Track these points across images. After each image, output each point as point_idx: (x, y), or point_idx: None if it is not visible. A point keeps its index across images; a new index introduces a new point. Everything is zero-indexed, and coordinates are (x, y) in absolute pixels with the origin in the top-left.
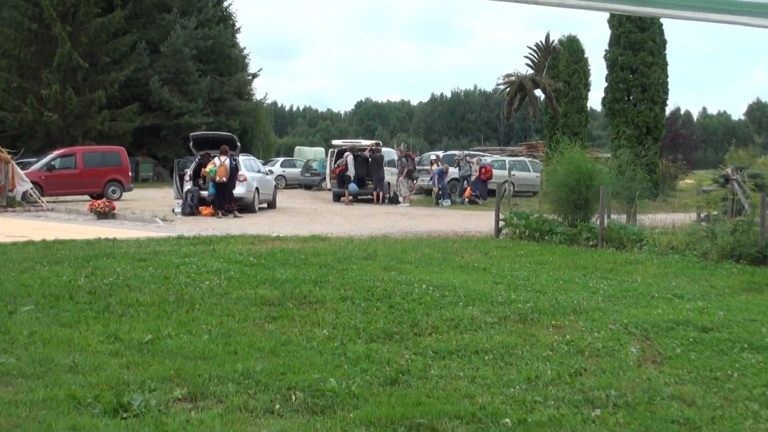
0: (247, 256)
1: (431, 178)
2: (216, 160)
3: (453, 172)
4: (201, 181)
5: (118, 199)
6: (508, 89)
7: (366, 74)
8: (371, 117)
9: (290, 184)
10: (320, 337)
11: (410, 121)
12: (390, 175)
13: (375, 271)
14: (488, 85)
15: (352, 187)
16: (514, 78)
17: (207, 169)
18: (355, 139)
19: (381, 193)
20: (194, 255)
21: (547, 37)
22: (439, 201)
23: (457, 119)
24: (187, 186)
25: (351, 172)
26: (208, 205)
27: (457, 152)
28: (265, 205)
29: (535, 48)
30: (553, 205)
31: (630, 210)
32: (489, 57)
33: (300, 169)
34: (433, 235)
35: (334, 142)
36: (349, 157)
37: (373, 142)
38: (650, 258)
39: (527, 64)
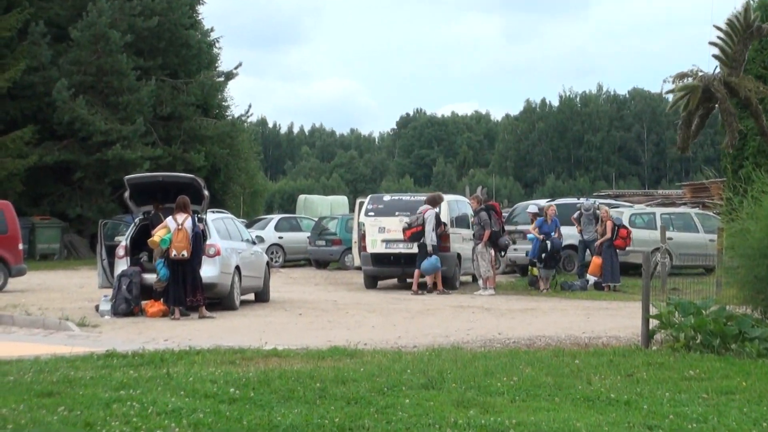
0: (225, 386)
1: (534, 248)
2: (170, 221)
3: (569, 234)
4: (145, 258)
5: (0, 289)
6: (687, 97)
7: (415, 71)
8: (425, 143)
9: (292, 260)
10: None
11: (491, 147)
12: (461, 241)
13: (442, 409)
14: (622, 83)
15: (429, 264)
16: (692, 79)
17: (155, 238)
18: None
19: (436, 276)
20: (135, 385)
21: (747, 9)
22: (534, 284)
23: (571, 143)
24: (121, 266)
25: (430, 239)
26: (158, 299)
27: (581, 200)
28: (251, 296)
29: (727, 28)
30: (743, 290)
31: None
32: (623, 38)
33: (308, 234)
34: (536, 345)
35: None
36: (429, 213)
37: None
38: None
39: (715, 56)
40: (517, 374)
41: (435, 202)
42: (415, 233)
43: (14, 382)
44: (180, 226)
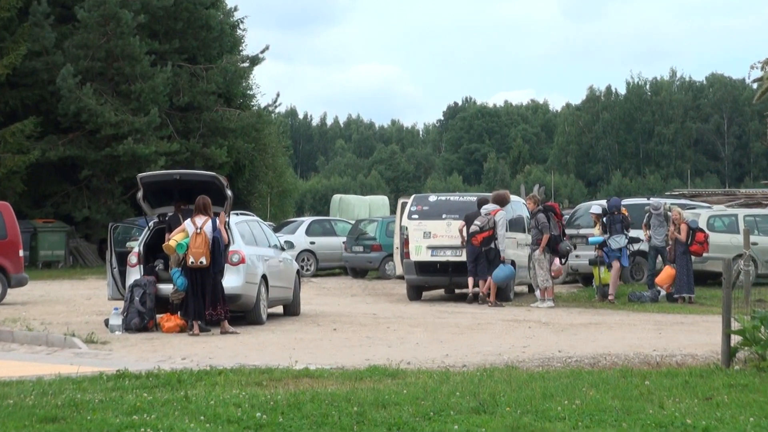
0: (250, 410)
1: (608, 253)
2: (188, 224)
3: (637, 239)
4: (160, 266)
5: None
6: None
7: (464, 55)
8: (474, 136)
9: (326, 268)
10: None
11: (549, 141)
12: (516, 246)
13: None
14: (699, 68)
15: (504, 272)
16: None
17: (172, 243)
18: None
19: (486, 284)
20: (150, 409)
21: None
22: (604, 295)
23: (640, 136)
24: (134, 275)
25: (504, 244)
26: (175, 312)
27: (651, 200)
28: (279, 309)
29: None
30: None
31: None
32: (701, 15)
33: (343, 239)
34: (601, 364)
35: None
36: (500, 215)
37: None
38: None
39: None
40: (580, 397)
41: (503, 201)
42: (486, 237)
43: (14, 405)
44: (199, 230)
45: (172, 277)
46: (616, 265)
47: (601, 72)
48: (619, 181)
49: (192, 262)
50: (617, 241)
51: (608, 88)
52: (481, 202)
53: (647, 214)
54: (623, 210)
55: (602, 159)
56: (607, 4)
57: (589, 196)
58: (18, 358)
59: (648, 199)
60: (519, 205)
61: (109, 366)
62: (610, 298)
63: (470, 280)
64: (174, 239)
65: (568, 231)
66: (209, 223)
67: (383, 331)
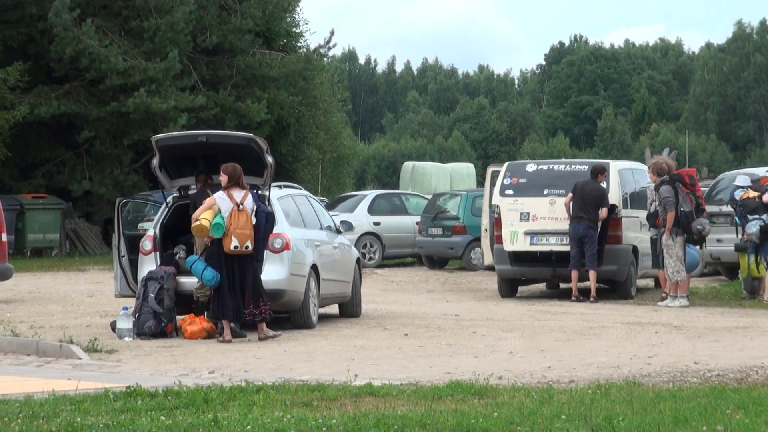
0: None
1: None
2: (220, 198)
3: None
4: (181, 253)
5: None
6: None
7: None
8: (585, 85)
9: (394, 256)
10: None
11: (683, 92)
12: (639, 228)
13: None
14: None
15: (691, 256)
16: None
17: (204, 222)
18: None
19: (594, 275)
20: None
21: None
22: (753, 291)
23: None
24: (149, 265)
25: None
26: (201, 312)
27: None
28: (334, 308)
29: None
30: None
31: None
32: None
33: (417, 219)
34: (752, 379)
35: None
36: (667, 191)
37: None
38: None
39: None
40: (723, 422)
41: (665, 170)
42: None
43: None
44: (237, 207)
45: (194, 267)
46: None
47: (753, 1)
48: None
49: (236, 247)
50: (753, 231)
51: (762, 22)
52: (596, 171)
53: None
54: (747, 193)
55: (754, 115)
56: None
57: (736, 163)
58: (1, 372)
59: None
60: (643, 175)
61: (117, 381)
62: (763, 296)
63: (574, 275)
64: (204, 218)
65: (707, 208)
66: (250, 196)
67: (468, 337)
